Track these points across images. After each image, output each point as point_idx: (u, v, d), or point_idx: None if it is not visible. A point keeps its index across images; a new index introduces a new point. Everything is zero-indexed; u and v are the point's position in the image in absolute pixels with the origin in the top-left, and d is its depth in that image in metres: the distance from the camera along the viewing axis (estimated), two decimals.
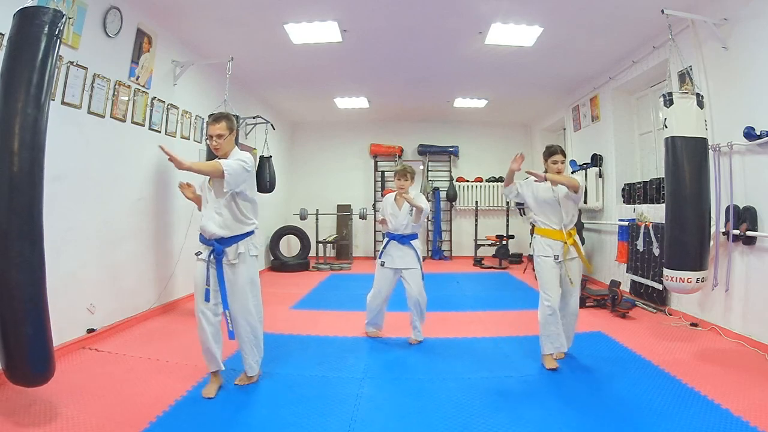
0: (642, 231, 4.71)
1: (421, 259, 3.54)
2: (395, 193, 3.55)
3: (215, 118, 2.61)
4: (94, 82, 3.42)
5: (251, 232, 2.65)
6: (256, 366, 2.71)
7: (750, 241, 3.36)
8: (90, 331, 3.41)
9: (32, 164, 2.08)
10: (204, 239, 2.60)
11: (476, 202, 8.92)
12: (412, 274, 3.45)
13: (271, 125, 6.62)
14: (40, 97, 2.09)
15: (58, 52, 2.20)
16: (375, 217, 8.97)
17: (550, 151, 3.07)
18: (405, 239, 3.48)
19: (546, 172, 3.07)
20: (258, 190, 6.51)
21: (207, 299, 2.54)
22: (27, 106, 2.05)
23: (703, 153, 3.08)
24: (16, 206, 2.04)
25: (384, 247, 3.53)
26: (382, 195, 8.91)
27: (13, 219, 2.03)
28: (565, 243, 2.95)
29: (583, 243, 5.80)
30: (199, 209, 2.73)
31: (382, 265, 3.50)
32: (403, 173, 3.46)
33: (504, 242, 8.16)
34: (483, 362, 3.13)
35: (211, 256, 2.55)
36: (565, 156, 3.07)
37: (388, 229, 3.53)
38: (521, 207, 8.94)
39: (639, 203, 5.08)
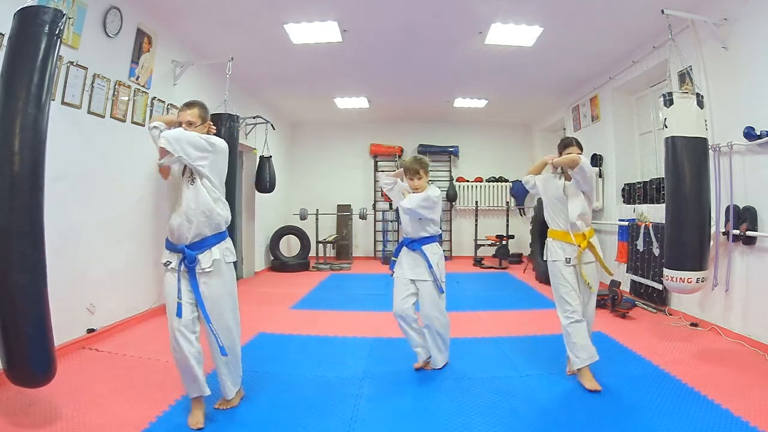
0: (642, 231, 4.71)
1: (440, 268, 2.89)
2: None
3: (188, 104, 2.36)
4: (94, 82, 3.42)
5: (225, 234, 2.35)
6: (234, 388, 2.40)
7: (750, 241, 3.36)
8: (90, 331, 3.41)
9: (33, 164, 2.07)
10: (171, 245, 2.27)
11: (476, 202, 8.91)
12: (423, 288, 2.86)
13: (271, 125, 6.63)
14: (41, 97, 2.09)
15: (58, 51, 2.19)
16: (375, 217, 8.98)
17: (565, 143, 2.83)
18: (415, 244, 2.87)
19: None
20: (258, 190, 6.70)
21: (179, 315, 2.19)
22: (28, 106, 2.04)
23: (703, 153, 3.08)
24: (18, 206, 2.03)
25: (396, 254, 2.99)
26: (382, 195, 8.91)
27: (14, 219, 2.02)
28: (578, 246, 2.74)
29: None
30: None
31: (392, 275, 2.98)
32: (415, 170, 2.80)
33: (504, 242, 8.16)
34: (483, 362, 3.13)
35: (182, 266, 2.22)
36: (581, 149, 2.78)
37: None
38: (521, 207, 8.96)
39: (639, 203, 5.08)
